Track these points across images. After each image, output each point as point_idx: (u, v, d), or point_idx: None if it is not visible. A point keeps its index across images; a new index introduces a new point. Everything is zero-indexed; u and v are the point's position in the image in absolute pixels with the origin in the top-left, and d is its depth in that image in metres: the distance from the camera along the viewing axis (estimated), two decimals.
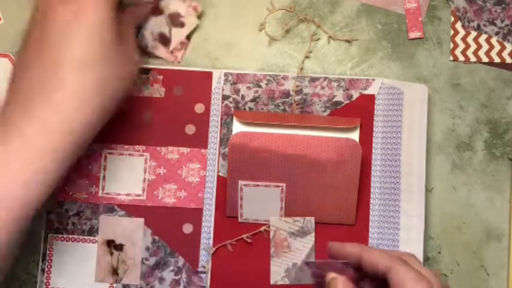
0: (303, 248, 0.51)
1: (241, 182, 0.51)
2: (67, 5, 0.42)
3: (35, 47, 0.42)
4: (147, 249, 0.52)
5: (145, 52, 0.53)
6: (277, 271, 0.51)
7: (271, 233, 0.51)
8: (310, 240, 0.51)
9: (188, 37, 0.53)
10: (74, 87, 0.41)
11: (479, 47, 0.53)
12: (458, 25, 0.53)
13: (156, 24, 0.53)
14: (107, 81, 0.42)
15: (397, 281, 0.40)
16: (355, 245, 0.44)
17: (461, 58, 0.53)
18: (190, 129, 0.53)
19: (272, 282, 0.51)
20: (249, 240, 0.51)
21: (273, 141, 0.51)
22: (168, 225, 0.52)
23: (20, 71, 0.43)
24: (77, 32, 0.41)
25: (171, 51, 0.53)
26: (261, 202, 0.51)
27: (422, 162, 0.51)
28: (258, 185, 0.51)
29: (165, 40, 0.53)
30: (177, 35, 0.53)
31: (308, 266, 0.46)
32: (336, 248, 0.45)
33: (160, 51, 0.53)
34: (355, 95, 0.52)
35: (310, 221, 0.51)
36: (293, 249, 0.51)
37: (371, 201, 0.52)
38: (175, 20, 0.53)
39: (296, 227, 0.51)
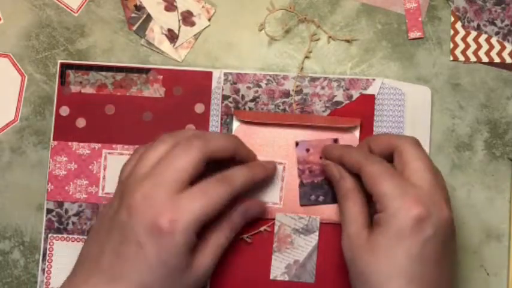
0: (305, 246, 0.51)
1: None
2: (145, 222, 0.42)
3: (111, 249, 0.43)
4: None
5: (150, 44, 0.53)
6: (278, 266, 0.51)
7: (276, 228, 0.51)
8: (313, 239, 0.51)
9: (195, 37, 0.53)
10: None
11: (479, 47, 0.53)
12: (458, 25, 0.53)
13: (167, 20, 0.53)
14: None
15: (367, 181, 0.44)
16: (336, 148, 0.49)
17: (461, 58, 0.53)
18: (190, 129, 0.53)
19: (272, 277, 0.51)
20: (249, 240, 0.51)
21: (274, 138, 0.51)
22: None
23: (93, 253, 0.44)
24: (146, 256, 0.42)
25: (176, 48, 0.53)
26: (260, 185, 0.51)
27: None
28: None
29: (172, 36, 0.53)
30: (185, 34, 0.53)
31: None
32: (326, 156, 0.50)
33: (165, 46, 0.53)
34: (355, 95, 0.52)
35: (316, 220, 0.51)
36: (296, 246, 0.51)
37: None
38: (187, 19, 0.53)
39: (301, 224, 0.51)
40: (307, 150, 0.52)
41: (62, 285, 0.44)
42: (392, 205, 0.42)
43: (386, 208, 0.42)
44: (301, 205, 0.51)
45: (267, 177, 0.50)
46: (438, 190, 0.43)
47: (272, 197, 0.51)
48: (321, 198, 0.51)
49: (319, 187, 0.51)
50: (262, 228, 0.52)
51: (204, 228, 0.44)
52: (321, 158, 0.51)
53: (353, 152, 0.47)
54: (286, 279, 0.51)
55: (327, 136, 0.52)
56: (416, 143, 0.45)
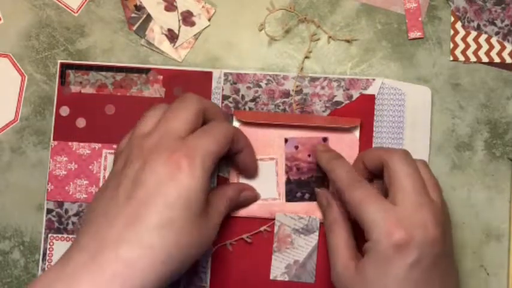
0: (305, 246, 0.51)
1: None
2: (164, 164, 0.41)
3: (124, 195, 0.41)
4: None
5: (150, 44, 0.53)
6: (278, 266, 0.51)
7: (276, 228, 0.51)
8: (313, 239, 0.51)
9: (195, 37, 0.53)
10: (150, 249, 0.40)
11: (479, 47, 0.53)
12: (458, 25, 0.53)
13: (167, 20, 0.53)
14: (181, 248, 0.41)
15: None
16: (327, 163, 0.49)
17: (461, 58, 0.53)
18: None
19: (272, 277, 0.51)
20: (249, 240, 0.51)
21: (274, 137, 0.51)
22: None
23: (99, 215, 0.42)
24: (167, 194, 0.41)
25: (176, 48, 0.53)
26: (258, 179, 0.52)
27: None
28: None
29: (172, 36, 0.53)
30: (185, 34, 0.53)
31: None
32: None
33: (165, 46, 0.53)
34: (355, 95, 0.52)
35: (315, 220, 0.51)
36: (296, 246, 0.51)
37: None
38: (187, 19, 0.53)
39: (301, 224, 0.51)
40: (296, 147, 0.52)
41: (72, 246, 0.42)
42: (375, 231, 0.42)
43: (370, 235, 0.42)
44: (287, 201, 0.51)
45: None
46: (423, 209, 0.42)
47: (270, 194, 0.52)
48: (307, 195, 0.51)
49: (305, 184, 0.52)
50: (262, 228, 0.52)
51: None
52: (309, 155, 0.51)
53: (338, 167, 0.47)
54: (286, 279, 0.51)
55: (320, 135, 0.52)
56: (404, 157, 0.45)
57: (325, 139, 0.52)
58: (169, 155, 0.42)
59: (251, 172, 0.51)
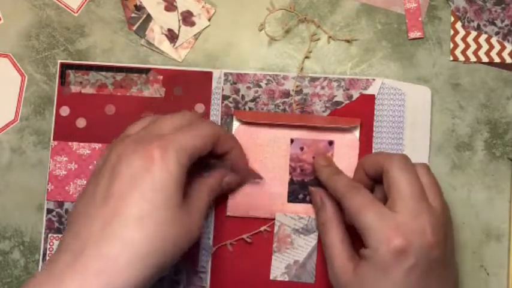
0: (305, 246, 0.51)
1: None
2: (138, 157, 0.41)
3: (101, 193, 0.41)
4: None
5: (150, 44, 0.53)
6: (278, 266, 0.51)
7: (276, 228, 0.51)
8: (313, 239, 0.51)
9: (195, 37, 0.53)
10: (131, 243, 0.40)
11: (479, 47, 0.53)
12: (458, 25, 0.53)
13: (167, 20, 0.53)
14: (163, 240, 0.41)
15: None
16: (325, 172, 0.50)
17: (461, 58, 0.53)
18: None
19: (272, 277, 0.51)
20: (249, 240, 0.51)
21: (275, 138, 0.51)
22: None
23: (80, 215, 0.42)
24: (142, 186, 0.41)
25: (176, 48, 0.53)
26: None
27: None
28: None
29: (172, 36, 0.53)
30: (185, 34, 0.53)
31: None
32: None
33: (165, 46, 0.53)
34: (355, 95, 0.52)
35: (315, 221, 0.51)
36: (296, 246, 0.51)
37: None
38: (187, 19, 0.53)
39: (301, 224, 0.51)
40: (301, 148, 0.52)
41: (58, 248, 0.42)
42: (374, 238, 0.42)
43: (368, 241, 0.43)
44: (289, 202, 0.51)
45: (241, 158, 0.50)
46: (421, 215, 0.43)
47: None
48: (309, 197, 0.51)
49: (307, 186, 0.52)
50: (262, 228, 0.52)
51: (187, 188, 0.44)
52: (313, 157, 0.51)
53: (337, 181, 0.47)
54: (286, 279, 0.51)
55: (325, 137, 0.52)
56: (403, 163, 0.45)
57: (331, 142, 0.52)
58: (144, 146, 0.41)
59: (242, 173, 0.50)
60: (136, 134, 0.44)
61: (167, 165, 0.41)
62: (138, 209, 0.40)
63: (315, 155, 0.51)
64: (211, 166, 0.49)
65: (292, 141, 0.52)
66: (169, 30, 0.54)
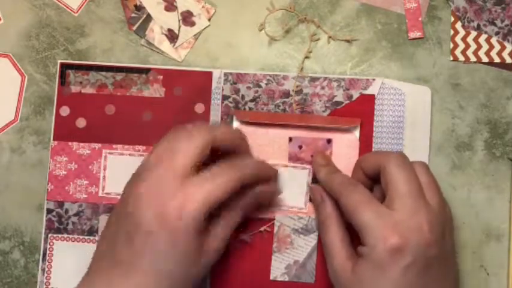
0: (305, 246, 0.51)
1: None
2: (159, 214, 0.42)
3: (122, 241, 0.43)
4: None
5: (150, 44, 0.53)
6: (278, 267, 0.51)
7: (276, 228, 0.51)
8: (313, 239, 0.51)
9: (195, 37, 0.53)
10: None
11: (479, 47, 0.53)
12: (458, 25, 0.53)
13: (167, 20, 0.53)
14: (178, 280, 0.43)
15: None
16: (322, 171, 0.50)
17: (461, 58, 0.53)
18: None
19: (272, 277, 0.51)
20: (248, 240, 0.51)
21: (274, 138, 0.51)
22: None
23: (102, 257, 0.44)
24: (157, 244, 0.42)
25: (176, 48, 0.53)
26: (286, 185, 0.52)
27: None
28: (286, 166, 0.52)
29: (172, 36, 0.53)
30: (185, 34, 0.53)
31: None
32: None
33: (165, 46, 0.53)
34: (355, 95, 0.52)
35: (315, 220, 0.51)
36: (295, 247, 0.51)
37: None
38: (187, 19, 0.53)
39: (300, 224, 0.51)
40: (300, 146, 0.52)
41: (78, 285, 0.44)
42: (371, 236, 0.42)
43: (366, 239, 0.43)
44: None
45: (271, 178, 0.50)
46: (419, 214, 0.43)
47: (298, 202, 0.51)
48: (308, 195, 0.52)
49: (309, 184, 0.52)
50: (262, 229, 0.52)
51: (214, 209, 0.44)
52: (311, 156, 0.51)
53: (335, 179, 0.48)
54: (286, 279, 0.51)
55: (325, 137, 0.52)
56: (401, 161, 0.45)
57: (329, 141, 0.52)
58: (162, 206, 0.42)
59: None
60: (154, 177, 0.43)
61: (182, 226, 0.42)
62: (154, 265, 0.42)
63: (314, 154, 0.51)
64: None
65: (290, 139, 0.52)
66: (169, 30, 0.54)
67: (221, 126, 0.47)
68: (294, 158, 0.52)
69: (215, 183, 0.43)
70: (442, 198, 0.45)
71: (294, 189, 0.52)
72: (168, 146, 0.45)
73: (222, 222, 0.46)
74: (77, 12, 0.54)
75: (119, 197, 0.52)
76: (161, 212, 0.42)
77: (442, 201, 0.45)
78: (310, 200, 0.51)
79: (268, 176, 0.49)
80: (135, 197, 0.43)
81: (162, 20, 0.54)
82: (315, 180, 0.52)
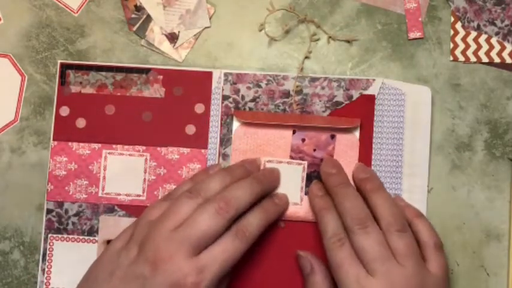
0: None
1: (264, 159, 0.52)
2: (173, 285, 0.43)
3: None
4: None
5: (150, 45, 0.53)
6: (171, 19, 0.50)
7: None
8: None
9: (195, 37, 0.53)
10: None
11: (479, 47, 0.53)
12: (458, 25, 0.53)
13: (166, 20, 0.53)
14: None
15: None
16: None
17: (461, 58, 0.53)
18: (190, 129, 0.53)
19: (168, 30, 0.50)
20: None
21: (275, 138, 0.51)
22: None
23: None
24: None
25: (176, 49, 0.53)
26: (282, 180, 0.52)
27: (425, 163, 0.52)
28: (281, 162, 0.52)
29: (172, 37, 0.53)
30: (185, 34, 0.53)
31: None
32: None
33: (165, 46, 0.53)
34: (356, 95, 0.52)
35: None
36: None
37: None
38: (187, 19, 0.53)
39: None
40: (303, 140, 0.52)
41: None
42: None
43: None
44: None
45: (280, 215, 0.51)
46: (393, 277, 0.45)
47: (293, 197, 0.52)
48: (307, 191, 0.52)
49: (307, 178, 0.52)
50: None
51: None
52: (314, 150, 0.51)
53: (325, 227, 0.48)
54: (183, 29, 0.50)
55: (327, 135, 0.52)
56: (377, 187, 0.49)
57: (332, 136, 0.52)
58: (179, 279, 0.43)
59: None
60: (170, 244, 0.44)
61: None
62: None
63: (323, 157, 0.51)
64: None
65: (294, 132, 0.52)
66: (169, 30, 0.54)
67: (240, 193, 0.47)
68: (295, 151, 0.52)
69: (225, 256, 0.45)
70: (419, 261, 0.46)
71: (289, 184, 0.52)
72: (186, 213, 0.46)
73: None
74: (77, 12, 0.54)
75: (119, 197, 0.52)
76: (178, 285, 0.43)
77: (418, 263, 0.46)
78: (306, 194, 0.51)
79: (275, 219, 0.51)
80: (152, 262, 0.44)
81: (162, 20, 0.54)
82: (309, 176, 0.52)
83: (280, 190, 0.51)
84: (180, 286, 0.43)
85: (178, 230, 0.44)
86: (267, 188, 0.50)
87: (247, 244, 0.46)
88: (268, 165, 0.52)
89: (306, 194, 0.52)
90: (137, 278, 0.43)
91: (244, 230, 0.46)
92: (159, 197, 0.52)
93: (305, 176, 0.52)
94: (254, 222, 0.47)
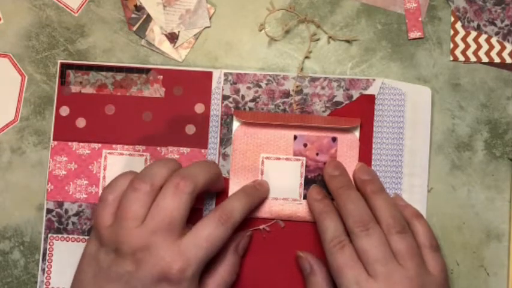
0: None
1: (262, 155, 0.52)
2: (156, 276, 0.43)
3: None
4: None
5: (150, 45, 0.53)
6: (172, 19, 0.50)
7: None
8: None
9: (195, 37, 0.53)
10: None
11: (479, 47, 0.53)
12: (458, 25, 0.53)
13: (166, 20, 0.53)
14: None
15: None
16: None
17: (461, 58, 0.53)
18: (190, 129, 0.53)
19: (168, 30, 0.50)
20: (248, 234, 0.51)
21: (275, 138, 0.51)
22: None
23: None
24: None
25: (176, 48, 0.53)
26: (281, 177, 0.52)
27: (425, 163, 0.52)
28: (279, 158, 0.52)
29: (172, 36, 0.53)
30: (186, 33, 0.53)
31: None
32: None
33: (165, 46, 0.53)
34: (356, 95, 0.52)
35: None
36: None
37: None
38: (187, 19, 0.53)
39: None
40: (305, 145, 0.52)
41: None
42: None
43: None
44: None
45: (262, 200, 0.51)
46: (393, 280, 0.45)
47: (292, 194, 0.52)
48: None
49: (311, 182, 0.52)
50: (261, 227, 0.52)
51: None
52: (317, 154, 0.51)
53: (325, 230, 0.48)
54: (183, 29, 0.50)
55: (327, 135, 0.52)
56: (378, 189, 0.49)
57: (334, 139, 0.52)
58: (164, 268, 0.43)
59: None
60: (142, 234, 0.44)
61: (181, 286, 0.43)
62: None
63: (327, 160, 0.51)
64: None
65: (295, 137, 0.52)
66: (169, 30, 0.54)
67: (198, 170, 0.47)
68: (298, 156, 0.52)
69: (209, 243, 0.44)
70: (421, 263, 0.46)
71: (288, 181, 0.52)
72: (144, 200, 0.45)
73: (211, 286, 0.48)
74: (77, 12, 0.54)
75: None
76: (163, 274, 0.43)
77: (420, 265, 0.46)
78: (306, 193, 0.51)
79: (258, 204, 0.51)
80: (132, 257, 0.43)
81: (162, 20, 0.54)
82: (313, 180, 0.52)
83: (279, 187, 0.51)
84: (166, 274, 0.43)
85: (146, 223, 0.44)
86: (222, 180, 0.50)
87: (231, 229, 0.46)
88: (266, 161, 0.52)
89: (305, 192, 0.51)
90: (122, 276, 0.43)
91: (229, 215, 0.46)
92: None
93: (304, 172, 0.52)
94: (238, 206, 0.47)
